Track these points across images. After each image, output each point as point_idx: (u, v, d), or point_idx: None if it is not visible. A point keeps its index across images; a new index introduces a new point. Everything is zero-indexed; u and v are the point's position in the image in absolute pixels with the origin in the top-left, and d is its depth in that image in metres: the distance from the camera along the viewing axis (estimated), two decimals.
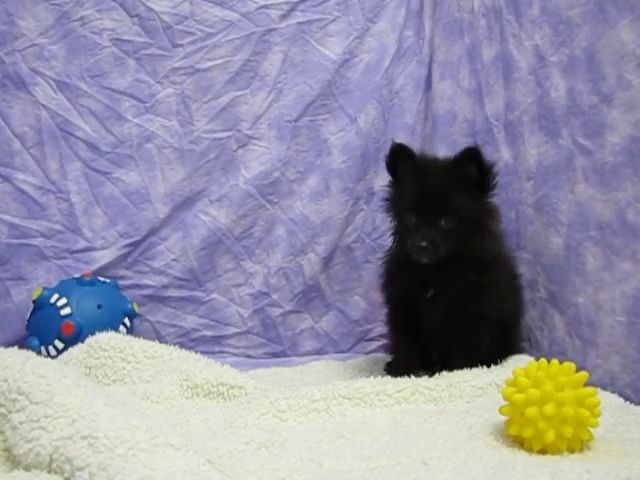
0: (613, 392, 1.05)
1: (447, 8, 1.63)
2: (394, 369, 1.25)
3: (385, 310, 1.34)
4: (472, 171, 1.13)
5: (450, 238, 1.12)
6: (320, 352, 1.60)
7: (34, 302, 1.36)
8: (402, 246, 1.20)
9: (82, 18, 1.51)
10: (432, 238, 1.12)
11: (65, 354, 1.19)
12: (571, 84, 1.20)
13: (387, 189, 1.24)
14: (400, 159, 1.19)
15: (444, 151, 1.48)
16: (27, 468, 0.67)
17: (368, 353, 1.60)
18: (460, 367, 1.14)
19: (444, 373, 1.12)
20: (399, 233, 1.23)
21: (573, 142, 1.19)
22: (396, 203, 1.21)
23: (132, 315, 1.41)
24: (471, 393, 1.05)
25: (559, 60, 1.24)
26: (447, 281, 1.16)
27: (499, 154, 1.44)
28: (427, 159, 1.22)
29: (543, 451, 0.79)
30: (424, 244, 1.11)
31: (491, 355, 1.18)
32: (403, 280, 1.22)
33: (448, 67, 1.63)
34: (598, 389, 0.83)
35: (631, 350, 1.04)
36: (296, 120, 1.59)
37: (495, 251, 1.20)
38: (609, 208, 1.10)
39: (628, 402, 1.02)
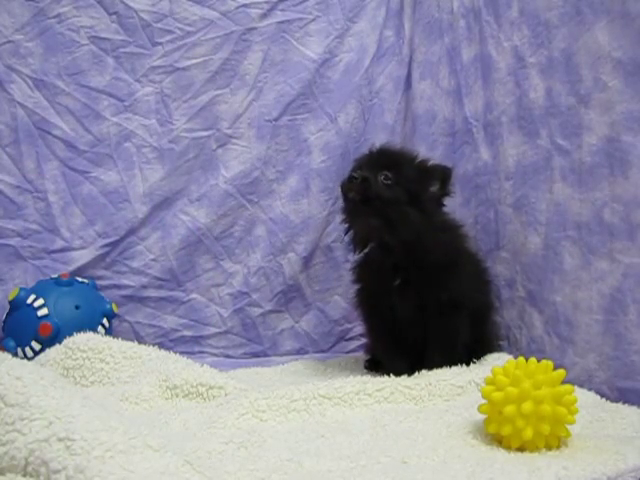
0: (590, 389, 1.06)
1: (427, 8, 1.64)
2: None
3: (365, 325, 1.37)
4: (434, 184, 1.19)
5: (385, 193, 1.14)
6: (300, 352, 1.59)
7: (10, 303, 1.34)
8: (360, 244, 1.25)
9: (59, 15, 1.49)
10: (365, 175, 1.14)
11: (42, 355, 1.17)
12: (549, 85, 1.21)
13: None
14: None
15: (424, 151, 1.49)
16: (2, 472, 0.66)
17: (348, 352, 1.60)
18: (438, 364, 1.14)
19: (424, 372, 1.13)
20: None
21: (551, 142, 1.21)
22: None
23: (110, 316, 1.40)
24: (450, 392, 1.05)
25: (537, 61, 1.25)
26: (411, 266, 1.17)
27: (478, 154, 1.46)
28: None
29: (521, 448, 0.79)
30: (355, 174, 1.15)
31: (467, 352, 1.19)
32: (371, 276, 1.24)
33: (428, 67, 1.64)
34: (575, 387, 0.83)
35: (607, 348, 1.05)
36: (276, 119, 1.59)
37: (429, 234, 1.18)
38: (586, 208, 1.11)
39: (604, 399, 1.03)
